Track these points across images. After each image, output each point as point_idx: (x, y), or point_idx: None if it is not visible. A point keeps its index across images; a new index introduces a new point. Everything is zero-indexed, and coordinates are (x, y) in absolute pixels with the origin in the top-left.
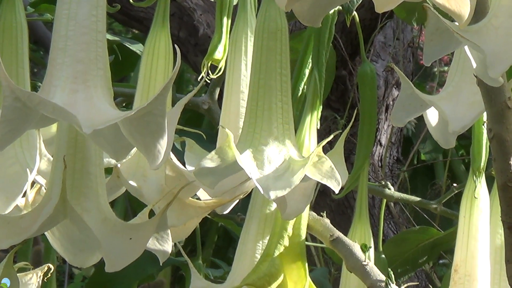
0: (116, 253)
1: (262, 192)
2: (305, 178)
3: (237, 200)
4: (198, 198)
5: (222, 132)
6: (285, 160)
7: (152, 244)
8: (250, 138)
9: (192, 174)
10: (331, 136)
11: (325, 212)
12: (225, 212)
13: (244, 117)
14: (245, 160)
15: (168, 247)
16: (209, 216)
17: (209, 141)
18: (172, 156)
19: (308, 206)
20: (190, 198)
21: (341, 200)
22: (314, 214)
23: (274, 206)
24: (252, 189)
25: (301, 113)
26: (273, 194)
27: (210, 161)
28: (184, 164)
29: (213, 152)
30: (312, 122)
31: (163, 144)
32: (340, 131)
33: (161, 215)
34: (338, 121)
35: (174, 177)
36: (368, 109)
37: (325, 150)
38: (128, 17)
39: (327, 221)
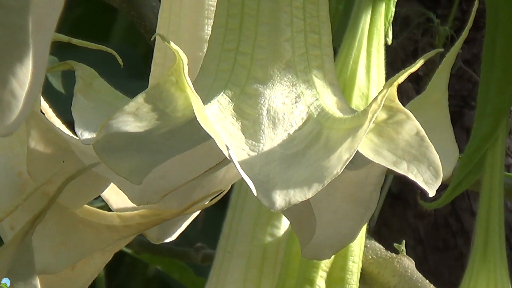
0: None
1: (255, 193)
2: (358, 161)
3: (196, 214)
4: (106, 207)
5: (161, 49)
6: (309, 117)
7: None
8: (229, 66)
9: (90, 148)
10: (420, 62)
11: (403, 242)
12: (166, 241)
13: (214, 16)
14: (217, 117)
15: None
16: (128, 251)
17: (130, 71)
18: (45, 106)
19: (365, 228)
20: (87, 206)
21: (441, 215)
22: (379, 247)
23: (284, 226)
24: (231, 188)
25: (348, 10)
26: (280, 199)
27: (133, 118)
28: (71, 125)
29: (140, 98)
30: (375, 30)
31: (23, 77)
32: (441, 50)
33: (17, 243)
34: (435, 27)
35: (49, 155)
36: (506, 3)
37: (404, 96)
38: None
39: (409, 263)
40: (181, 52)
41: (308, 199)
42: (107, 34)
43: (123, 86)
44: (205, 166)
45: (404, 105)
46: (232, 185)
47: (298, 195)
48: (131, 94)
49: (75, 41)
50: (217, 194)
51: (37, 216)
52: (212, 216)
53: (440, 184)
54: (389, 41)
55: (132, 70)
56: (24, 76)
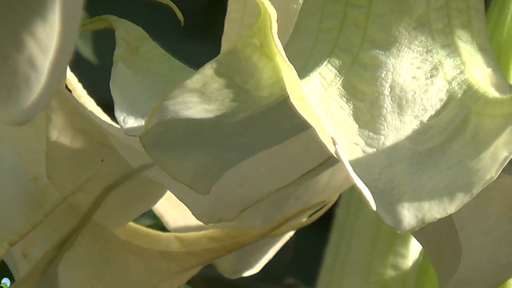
0: None
1: (373, 207)
2: None
3: (287, 237)
4: (159, 226)
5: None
6: (451, 97)
7: None
8: (336, 24)
9: (137, 142)
10: None
11: None
12: (245, 275)
13: None
14: (319, 98)
15: None
16: None
17: (187, 29)
18: (73, 81)
19: None
20: (132, 224)
21: None
22: None
23: (412, 255)
24: (338, 200)
25: None
26: (410, 216)
27: (198, 97)
28: (109, 108)
29: (208, 69)
30: None
31: (46, 40)
32: None
33: (37, 278)
34: None
35: (78, 151)
36: None
37: None
38: None
39: None
40: (267, 3)
41: (450, 215)
42: None
43: (178, 51)
44: (301, 169)
45: None
46: (339, 196)
47: (436, 210)
48: (191, 62)
49: None
50: (317, 208)
51: (64, 240)
52: (308, 240)
53: None
54: None
55: (190, 27)
56: (48, 38)
